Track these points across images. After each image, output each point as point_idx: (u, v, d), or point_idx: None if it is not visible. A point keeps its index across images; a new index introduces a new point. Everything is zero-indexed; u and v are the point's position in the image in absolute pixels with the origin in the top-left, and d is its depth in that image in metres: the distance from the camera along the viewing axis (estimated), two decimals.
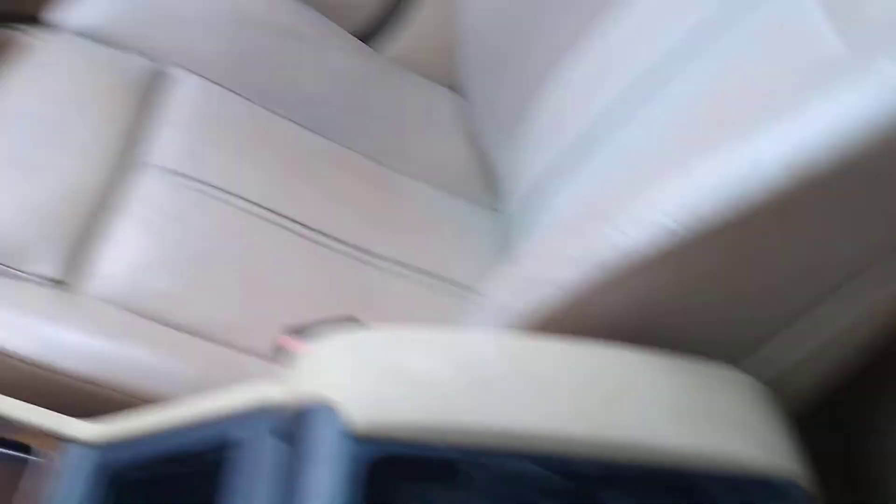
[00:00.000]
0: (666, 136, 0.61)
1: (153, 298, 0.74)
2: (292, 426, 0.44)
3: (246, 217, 0.84)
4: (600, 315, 0.49)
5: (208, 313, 0.75)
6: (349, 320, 0.56)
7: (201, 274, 0.77)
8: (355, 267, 0.87)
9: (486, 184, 1.04)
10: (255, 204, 0.85)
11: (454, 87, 1.11)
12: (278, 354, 0.56)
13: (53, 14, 0.93)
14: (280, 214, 0.86)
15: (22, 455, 0.52)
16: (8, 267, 0.70)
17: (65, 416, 0.55)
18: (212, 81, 0.93)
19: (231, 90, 0.94)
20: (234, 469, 0.47)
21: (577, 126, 0.76)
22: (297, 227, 0.86)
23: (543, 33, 0.84)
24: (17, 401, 0.54)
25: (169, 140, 0.86)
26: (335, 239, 0.88)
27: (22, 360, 0.64)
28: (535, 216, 0.78)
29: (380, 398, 0.42)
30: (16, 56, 0.87)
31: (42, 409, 0.54)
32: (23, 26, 1.17)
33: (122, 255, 0.76)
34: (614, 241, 0.45)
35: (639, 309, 0.49)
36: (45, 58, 0.87)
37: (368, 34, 1.16)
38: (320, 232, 0.87)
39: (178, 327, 0.73)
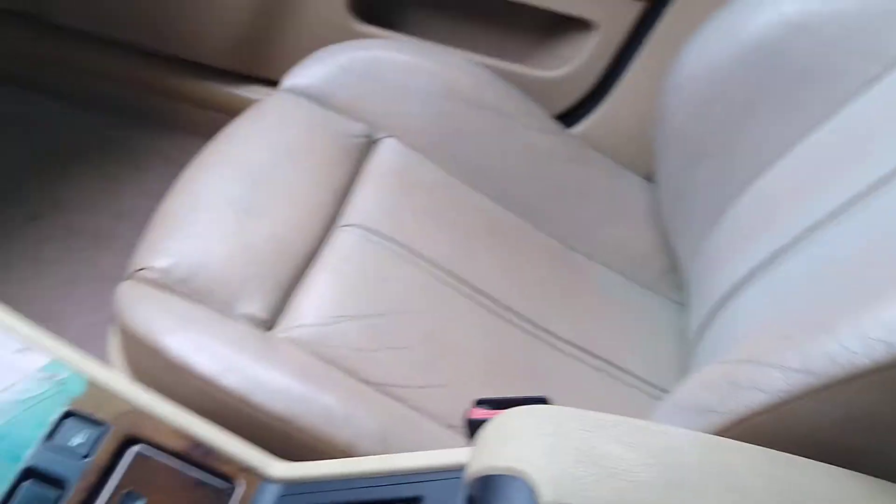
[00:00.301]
0: (887, 247, 0.58)
1: (342, 349, 0.77)
2: (480, 492, 0.45)
3: (433, 281, 0.87)
4: (808, 427, 0.47)
5: (391, 370, 0.78)
6: (539, 400, 0.56)
7: (387, 331, 0.81)
8: (533, 344, 0.88)
9: (670, 276, 1.03)
10: (443, 269, 0.88)
11: (646, 175, 1.11)
12: (466, 422, 0.58)
13: (287, 79, 1.01)
14: (466, 283, 0.88)
15: (223, 485, 0.56)
16: (225, 305, 0.76)
17: (263, 453, 0.58)
18: (415, 150, 0.98)
19: (432, 159, 0.99)
20: None
21: (780, 231, 0.74)
22: (481, 298, 0.88)
23: (752, 140, 0.82)
24: (225, 433, 0.58)
25: (370, 200, 0.91)
26: (517, 314, 0.89)
27: (231, 394, 0.68)
28: (728, 318, 0.76)
29: (573, 479, 0.42)
30: (253, 113, 0.96)
31: (244, 443, 0.58)
32: (261, 87, 1.29)
33: (317, 305, 0.80)
34: (834, 353, 0.44)
35: (851, 425, 0.46)
36: (276, 116, 0.95)
37: (566, 115, 1.20)
38: (503, 305, 0.89)
39: (362, 379, 0.76)
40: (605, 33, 1.12)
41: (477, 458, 0.47)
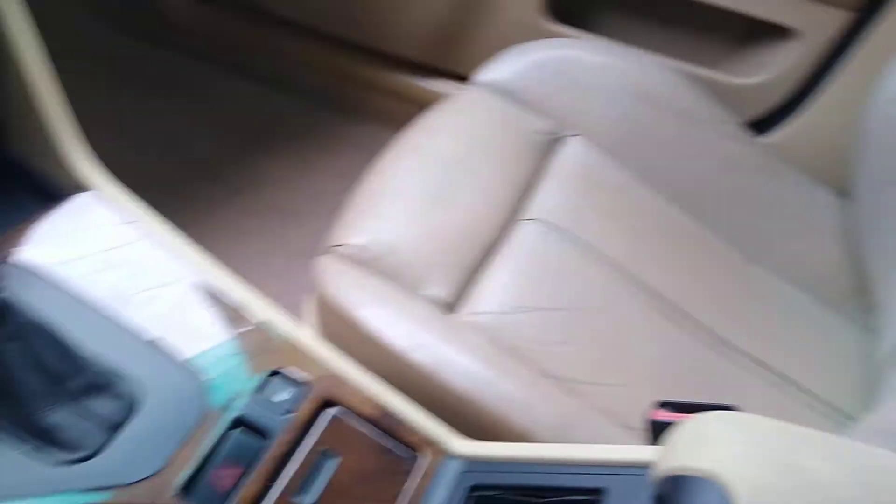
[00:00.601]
0: None
1: (520, 339, 0.79)
2: (672, 492, 0.45)
3: (612, 281, 0.87)
4: None
5: (567, 364, 0.78)
6: (726, 408, 0.55)
7: (564, 326, 0.81)
8: (709, 352, 0.86)
9: (857, 297, 0.98)
10: (622, 270, 0.88)
11: (838, 190, 1.06)
12: (648, 423, 0.58)
13: (479, 74, 1.04)
14: (644, 285, 0.88)
15: (409, 454, 0.59)
16: (413, 285, 0.79)
17: (446, 429, 0.61)
18: (600, 149, 0.99)
19: (617, 160, 0.99)
20: None
21: None
22: (659, 302, 0.87)
23: None
24: (414, 407, 0.61)
25: (553, 196, 0.92)
26: (694, 321, 0.88)
27: (419, 370, 0.71)
28: None
29: (770, 488, 0.42)
30: (446, 106, 0.99)
31: (430, 417, 0.60)
32: (449, 82, 1.33)
33: (498, 294, 0.82)
34: None
35: None
36: (468, 110, 0.98)
37: (757, 123, 1.16)
38: (680, 311, 0.88)
39: (539, 370, 0.77)
40: (806, 42, 1.08)
41: (668, 457, 0.47)
